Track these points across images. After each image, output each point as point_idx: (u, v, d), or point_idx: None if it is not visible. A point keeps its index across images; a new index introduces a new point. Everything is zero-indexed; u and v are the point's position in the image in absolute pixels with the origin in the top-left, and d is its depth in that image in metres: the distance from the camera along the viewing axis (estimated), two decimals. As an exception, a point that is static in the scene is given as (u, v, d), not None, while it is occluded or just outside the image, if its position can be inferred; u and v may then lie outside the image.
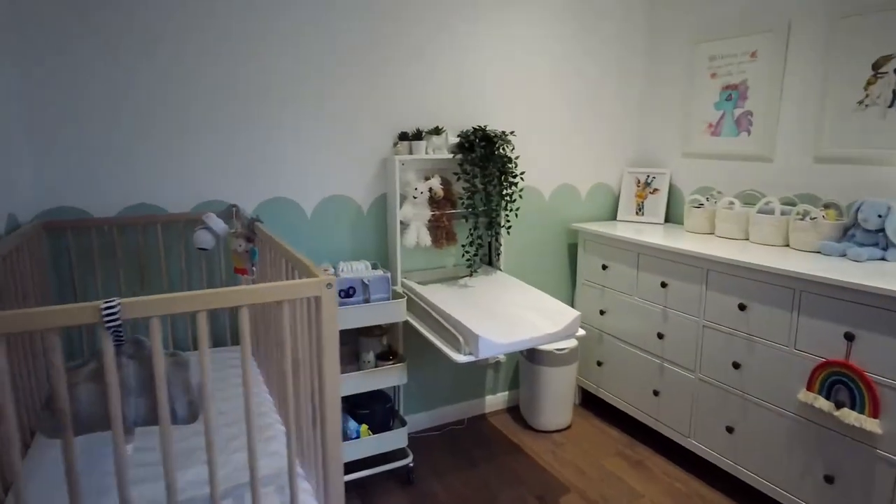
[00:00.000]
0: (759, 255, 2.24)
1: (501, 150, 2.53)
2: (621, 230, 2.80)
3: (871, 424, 1.79)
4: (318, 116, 2.40)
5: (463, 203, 2.53)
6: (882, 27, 2.18)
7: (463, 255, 2.64)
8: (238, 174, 2.29)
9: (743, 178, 2.73)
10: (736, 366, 2.20)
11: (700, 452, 2.39)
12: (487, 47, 2.69)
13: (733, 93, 2.76)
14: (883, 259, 2.11)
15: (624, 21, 3.03)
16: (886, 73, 2.19)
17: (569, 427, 2.82)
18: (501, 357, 2.86)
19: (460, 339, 2.05)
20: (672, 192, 3.06)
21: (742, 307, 2.16)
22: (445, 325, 2.14)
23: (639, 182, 3.09)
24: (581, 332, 2.21)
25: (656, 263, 2.51)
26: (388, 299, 2.29)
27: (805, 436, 2.00)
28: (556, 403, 2.76)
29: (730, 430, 2.25)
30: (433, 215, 2.54)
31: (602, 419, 2.90)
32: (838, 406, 1.87)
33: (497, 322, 2.14)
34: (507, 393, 3.05)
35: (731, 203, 2.60)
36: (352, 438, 2.28)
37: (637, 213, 3.07)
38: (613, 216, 3.16)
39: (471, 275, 2.63)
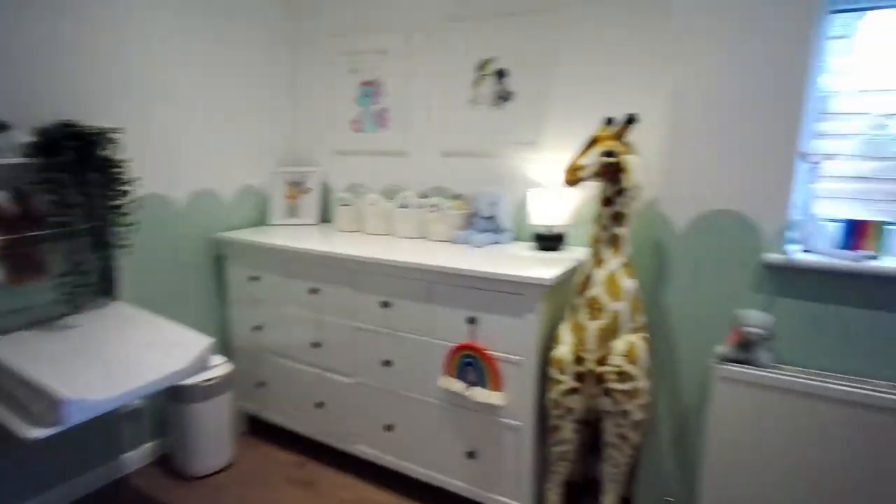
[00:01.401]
0: (401, 249, 2.26)
1: (103, 152, 2.02)
2: (272, 236, 2.56)
3: (495, 398, 1.92)
4: None
5: (54, 221, 1.95)
6: (484, 32, 2.40)
7: (61, 289, 2.04)
8: None
9: (386, 173, 2.76)
10: (387, 363, 2.18)
11: (366, 456, 2.33)
12: (87, 19, 2.10)
13: (370, 89, 2.77)
14: (498, 243, 2.34)
15: (261, 10, 2.78)
16: (488, 75, 2.43)
17: (231, 465, 2.49)
18: (137, 401, 2.35)
19: (35, 404, 1.53)
20: (326, 191, 2.96)
21: (386, 304, 2.14)
22: (14, 386, 1.59)
23: (290, 182, 2.90)
24: (221, 359, 1.90)
25: (305, 269, 2.35)
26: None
27: (449, 419, 2.08)
28: (211, 441, 2.39)
29: (389, 427, 2.23)
30: (2, 241, 1.90)
31: (271, 444, 2.65)
32: (471, 386, 1.98)
33: (101, 371, 1.67)
34: (153, 443, 2.54)
35: (376, 199, 2.61)
36: None
37: (290, 215, 2.88)
38: (266, 221, 2.91)
39: (74, 313, 2.06)
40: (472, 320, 1.95)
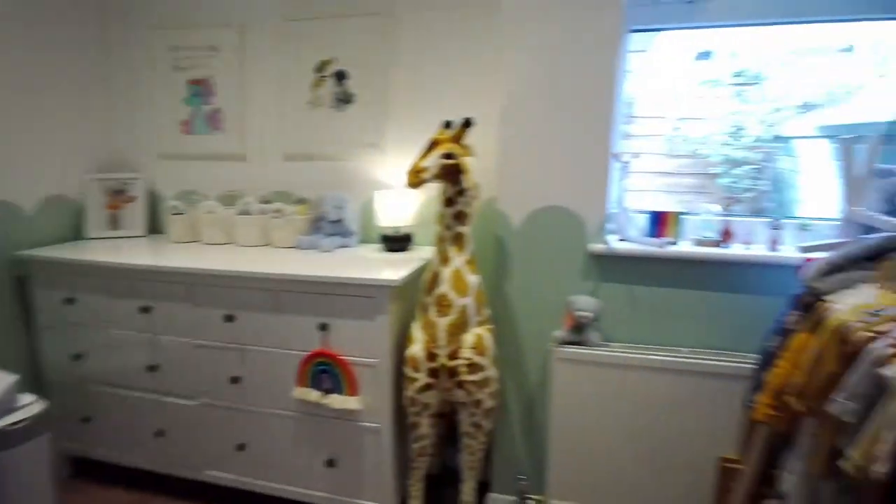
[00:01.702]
0: (244, 258, 2.14)
1: None
2: (90, 251, 2.28)
3: (352, 402, 1.91)
4: None
5: None
6: (321, 33, 2.35)
7: None
8: None
9: (222, 178, 2.59)
10: (235, 380, 2.05)
11: (219, 482, 2.18)
12: None
13: (200, 88, 2.58)
14: (346, 246, 2.32)
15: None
16: (327, 77, 2.39)
17: (55, 514, 2.17)
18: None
19: None
20: (154, 199, 2.70)
21: (230, 318, 2.02)
22: None
23: (111, 191, 2.60)
24: (30, 397, 1.65)
25: (134, 286, 2.12)
26: None
27: (306, 430, 2.02)
28: (27, 493, 2.06)
29: (241, 447, 2.10)
30: None
31: (104, 485, 2.36)
32: (326, 393, 1.94)
33: None
34: (-52, 503, 2.14)
35: (213, 207, 2.44)
36: None
37: (112, 227, 2.58)
38: (82, 235, 2.57)
39: None
40: (323, 327, 1.92)
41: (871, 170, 1.58)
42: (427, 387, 1.84)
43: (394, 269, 1.93)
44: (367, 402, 1.92)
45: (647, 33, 2.06)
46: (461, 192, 1.79)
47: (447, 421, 2.03)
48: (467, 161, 1.77)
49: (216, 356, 2.06)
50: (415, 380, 1.83)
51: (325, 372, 1.93)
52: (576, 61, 1.83)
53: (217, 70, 2.53)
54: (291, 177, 2.49)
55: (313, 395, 1.95)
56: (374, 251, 2.25)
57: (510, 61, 1.89)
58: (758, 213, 2.15)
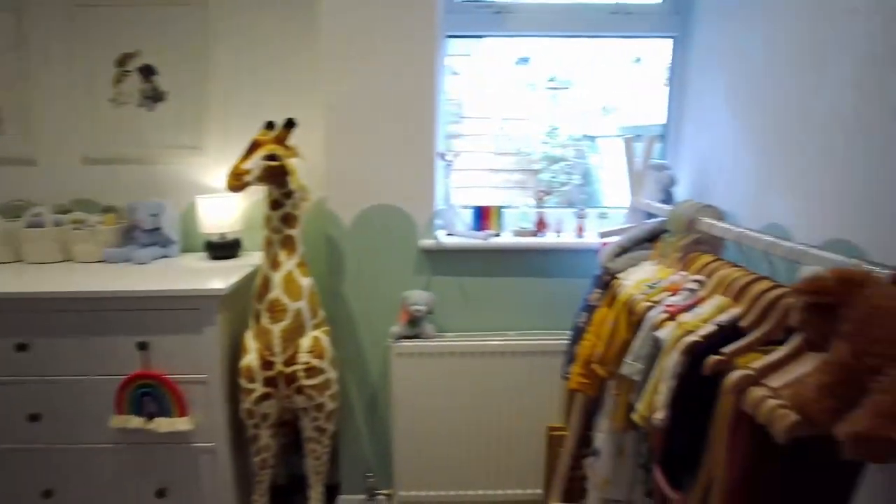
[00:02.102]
0: (37, 277, 1.87)
1: None
2: None
3: (182, 424, 1.77)
4: None
5: None
6: (122, 23, 2.12)
7: None
8: None
9: (5, 186, 2.24)
10: (34, 418, 1.79)
11: (21, 536, 1.89)
12: None
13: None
14: (166, 256, 2.14)
15: None
16: (131, 71, 2.17)
17: None
18: None
19: None
20: (-90, 213, 2.24)
21: (23, 347, 1.75)
22: None
23: None
24: None
25: None
26: None
27: (130, 461, 1.83)
28: None
29: (48, 494, 1.84)
30: None
31: None
32: (151, 418, 1.78)
33: None
34: None
35: (-7, 219, 2.09)
36: None
37: None
38: None
39: None
40: (142, 346, 1.75)
41: (648, 165, 1.85)
42: (265, 396, 1.77)
43: (221, 277, 1.82)
44: (198, 421, 1.80)
45: (470, 39, 2.20)
46: (287, 195, 1.75)
47: (289, 429, 1.97)
48: (292, 162, 1.74)
49: (7, 392, 1.78)
50: (251, 391, 1.76)
51: (148, 395, 1.77)
52: (395, 62, 1.89)
53: (-11, 61, 2.17)
54: (94, 183, 2.23)
55: (135, 421, 1.77)
56: (198, 260, 2.11)
57: (330, 61, 1.89)
58: (571, 204, 2.40)
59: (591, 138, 2.56)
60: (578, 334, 1.65)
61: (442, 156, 1.99)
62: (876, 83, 1.12)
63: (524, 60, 2.37)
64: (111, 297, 1.72)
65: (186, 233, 2.22)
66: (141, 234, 2.13)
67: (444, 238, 1.97)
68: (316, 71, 2.04)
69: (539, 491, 2.00)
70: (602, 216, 2.09)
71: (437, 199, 2.00)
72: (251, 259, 2.09)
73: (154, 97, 2.17)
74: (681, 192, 1.94)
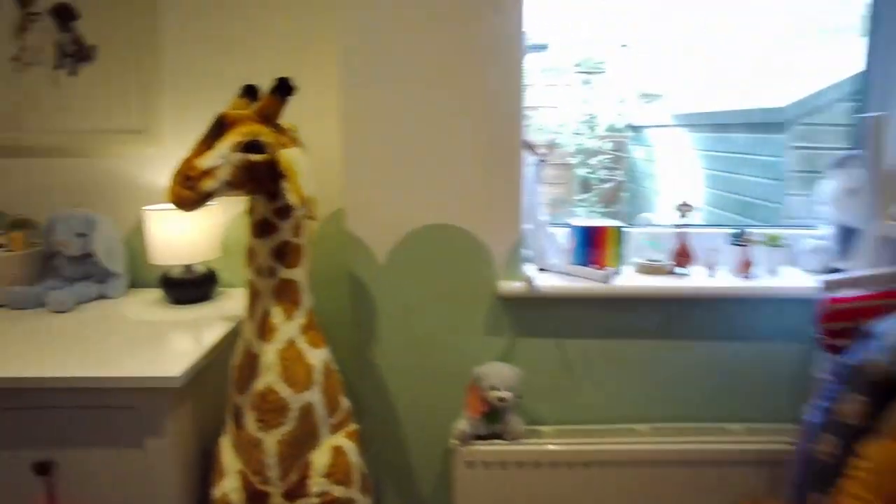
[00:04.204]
0: None
1: None
2: None
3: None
4: None
5: None
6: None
7: None
8: None
9: None
10: None
11: None
12: None
13: None
14: (103, 297, 1.41)
15: None
16: (40, 13, 1.42)
17: None
18: None
19: None
20: None
21: None
22: None
23: None
24: None
25: None
26: None
27: None
28: None
29: None
30: None
31: None
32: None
33: None
34: None
35: None
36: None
37: None
38: None
39: None
40: (43, 468, 1.03)
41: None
42: (252, 550, 1.06)
43: (179, 344, 1.11)
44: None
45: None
46: (283, 212, 1.02)
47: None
48: (289, 155, 0.99)
49: None
50: (229, 542, 1.05)
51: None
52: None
53: None
54: (-1, 185, 1.50)
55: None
56: (150, 305, 1.38)
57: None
58: (614, 204, 1.93)
59: (637, 129, 2.23)
60: (819, 471, 0.91)
61: (531, 148, 1.25)
62: None
63: (541, 47, 2.04)
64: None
65: (136, 260, 1.49)
66: (64, 264, 1.40)
67: (536, 277, 1.24)
68: (328, 7, 1.30)
69: None
70: (773, 244, 1.31)
71: (524, 217, 1.26)
72: (232, 302, 1.37)
73: (77, 55, 1.42)
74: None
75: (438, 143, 1.19)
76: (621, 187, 2.17)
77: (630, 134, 2.19)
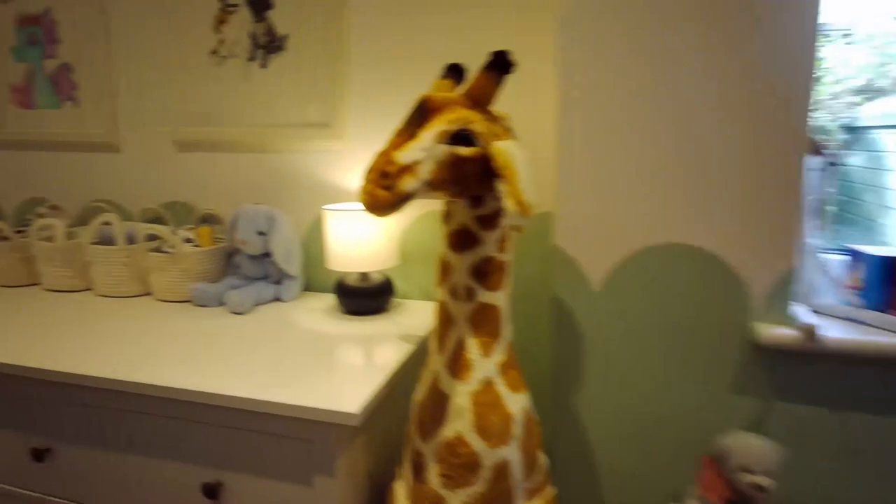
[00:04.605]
0: (58, 345, 1.15)
1: None
2: None
3: None
4: None
5: None
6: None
7: None
8: None
9: (87, 181, 1.59)
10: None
11: None
12: None
13: (39, 31, 1.57)
14: (278, 299, 1.34)
15: None
16: (237, 4, 1.38)
17: None
18: None
19: None
20: (-18, 213, 1.70)
21: (40, 456, 1.04)
22: None
23: None
24: None
25: None
26: None
27: None
28: None
29: None
30: None
31: None
32: None
33: None
34: None
35: (52, 230, 1.44)
36: None
37: None
38: None
39: None
40: (212, 491, 0.94)
41: None
42: None
43: (356, 369, 0.96)
44: None
45: None
46: (488, 220, 0.82)
47: None
48: (506, 150, 0.78)
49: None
50: None
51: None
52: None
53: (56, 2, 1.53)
54: (185, 179, 1.50)
55: None
56: (322, 314, 1.27)
57: None
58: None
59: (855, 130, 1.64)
60: None
61: (819, 149, 0.92)
62: None
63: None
64: (153, 395, 0.92)
65: (313, 261, 1.41)
66: (244, 262, 1.35)
67: (811, 322, 0.91)
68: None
69: None
70: None
71: (796, 241, 0.94)
72: (408, 317, 1.21)
73: (268, 45, 1.36)
74: None
75: (685, 138, 0.92)
76: (829, 202, 1.64)
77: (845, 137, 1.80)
